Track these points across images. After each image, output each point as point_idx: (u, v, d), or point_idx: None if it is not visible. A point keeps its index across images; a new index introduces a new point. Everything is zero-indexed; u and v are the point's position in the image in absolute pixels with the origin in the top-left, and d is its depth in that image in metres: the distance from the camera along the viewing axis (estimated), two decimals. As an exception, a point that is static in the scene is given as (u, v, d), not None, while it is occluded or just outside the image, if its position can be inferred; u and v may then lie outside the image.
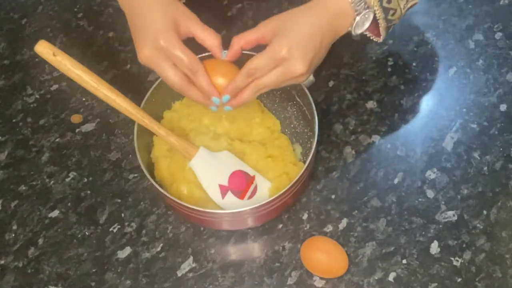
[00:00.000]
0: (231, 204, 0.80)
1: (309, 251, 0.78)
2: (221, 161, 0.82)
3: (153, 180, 0.77)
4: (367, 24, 0.77)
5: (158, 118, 0.85)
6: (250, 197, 0.81)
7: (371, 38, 0.82)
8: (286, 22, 0.73)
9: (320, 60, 0.76)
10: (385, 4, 0.76)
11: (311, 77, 0.87)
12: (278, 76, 0.72)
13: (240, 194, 0.81)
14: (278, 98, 0.89)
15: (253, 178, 0.82)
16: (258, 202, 0.75)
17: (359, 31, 0.77)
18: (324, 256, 0.77)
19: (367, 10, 0.75)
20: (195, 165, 0.80)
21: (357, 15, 0.75)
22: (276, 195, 0.75)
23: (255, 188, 0.81)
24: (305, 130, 0.86)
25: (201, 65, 0.72)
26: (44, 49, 0.73)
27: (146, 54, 0.72)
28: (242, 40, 0.74)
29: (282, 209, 0.82)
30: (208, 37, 0.73)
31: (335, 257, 0.78)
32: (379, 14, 0.76)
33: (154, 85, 0.83)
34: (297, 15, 0.74)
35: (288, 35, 0.71)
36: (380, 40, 0.81)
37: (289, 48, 0.70)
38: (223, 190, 0.80)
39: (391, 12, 0.77)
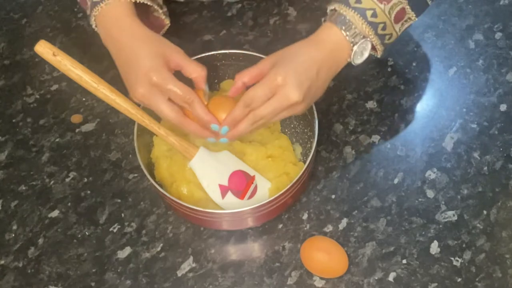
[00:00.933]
0: (231, 204, 0.80)
1: (309, 251, 0.78)
2: (221, 161, 0.82)
3: (153, 180, 0.77)
4: (366, 54, 0.77)
5: (158, 118, 0.85)
6: (250, 197, 0.81)
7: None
8: (284, 55, 0.74)
9: (319, 92, 0.76)
10: (380, 32, 0.76)
11: None
12: (275, 106, 0.72)
13: (240, 194, 0.81)
14: None
15: (253, 178, 0.82)
16: (258, 202, 0.75)
17: (359, 61, 0.77)
18: (324, 256, 0.77)
19: (363, 40, 0.75)
20: (195, 165, 0.80)
21: (354, 45, 0.75)
22: (276, 195, 0.75)
23: (255, 188, 0.81)
24: (305, 130, 0.86)
25: (195, 95, 0.73)
26: (44, 49, 0.73)
27: (141, 92, 0.72)
28: (245, 77, 0.75)
29: (282, 209, 0.82)
30: (195, 69, 0.74)
31: (335, 257, 0.78)
32: (375, 41, 0.76)
33: None
34: (295, 48, 0.75)
35: (284, 64, 0.72)
36: (379, 55, 0.81)
37: (285, 76, 0.71)
38: (223, 190, 0.80)
39: (387, 37, 0.77)
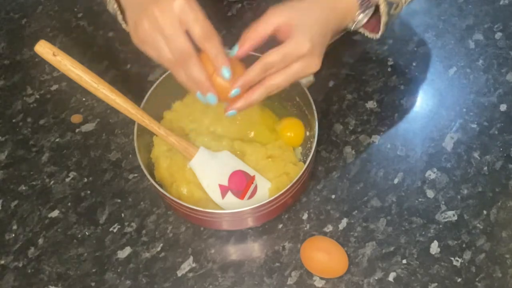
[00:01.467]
0: (231, 204, 0.80)
1: (309, 251, 0.78)
2: (221, 161, 0.82)
3: (153, 180, 0.77)
4: (365, 19, 0.78)
5: (158, 118, 0.85)
6: (250, 197, 0.81)
7: (367, 36, 0.82)
8: (301, 16, 0.70)
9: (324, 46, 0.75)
10: None
11: (311, 77, 0.87)
12: (295, 73, 0.69)
13: (240, 194, 0.81)
14: (278, 98, 0.89)
15: (253, 178, 0.82)
16: (258, 202, 0.75)
17: (357, 26, 0.78)
18: (324, 256, 0.77)
19: (370, 8, 0.76)
20: (195, 165, 0.80)
21: (361, 12, 0.75)
22: (276, 195, 0.75)
23: (255, 188, 0.81)
24: (305, 130, 0.86)
25: (213, 31, 0.67)
26: (44, 49, 0.73)
27: (145, 28, 0.67)
28: (256, 35, 0.69)
29: (282, 209, 0.82)
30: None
31: (335, 257, 0.78)
32: (383, 9, 0.77)
33: (154, 85, 0.83)
34: (311, 7, 0.72)
35: (308, 32, 0.69)
36: (378, 36, 0.81)
37: (312, 45, 0.69)
38: (223, 190, 0.80)
39: (394, 6, 0.77)
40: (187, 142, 0.80)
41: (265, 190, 0.82)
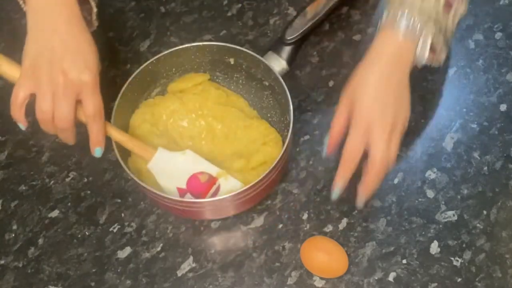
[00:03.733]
0: None
1: (309, 251, 0.78)
2: (180, 162, 0.81)
3: (128, 171, 0.77)
4: (426, 52, 0.75)
5: (126, 123, 0.86)
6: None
7: (432, 65, 0.81)
8: (355, 87, 0.74)
9: (406, 102, 0.75)
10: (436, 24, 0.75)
11: (285, 64, 0.87)
12: (379, 141, 0.71)
13: (200, 196, 0.80)
14: (254, 89, 0.89)
15: (215, 180, 0.81)
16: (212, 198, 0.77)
17: (421, 60, 0.76)
18: (324, 256, 0.77)
19: (420, 38, 0.74)
20: (153, 168, 0.80)
21: (416, 42, 0.74)
22: (246, 187, 0.75)
23: (218, 189, 0.81)
24: (281, 118, 0.87)
25: (103, 117, 0.73)
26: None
27: (37, 64, 0.71)
28: (336, 128, 0.74)
29: (259, 198, 0.82)
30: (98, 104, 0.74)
31: (335, 257, 0.78)
32: (433, 32, 0.75)
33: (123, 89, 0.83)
34: (362, 75, 0.74)
35: (360, 102, 0.72)
36: (441, 63, 0.80)
37: (367, 117, 0.71)
38: (182, 193, 0.80)
39: (442, 31, 0.76)
40: (143, 144, 0.80)
41: (231, 189, 0.80)
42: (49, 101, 0.71)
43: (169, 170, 0.80)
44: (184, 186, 0.80)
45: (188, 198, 0.80)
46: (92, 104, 0.72)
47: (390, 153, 0.73)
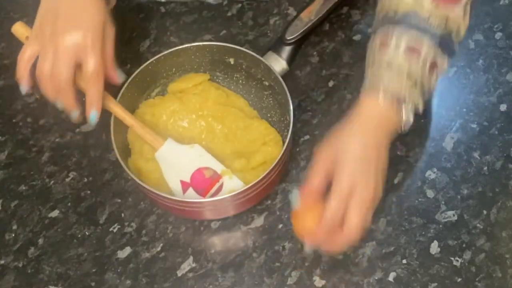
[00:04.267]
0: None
1: (302, 218, 0.74)
2: (187, 155, 0.82)
3: (128, 171, 0.77)
4: (411, 117, 0.74)
5: (133, 108, 0.86)
6: (213, 196, 0.81)
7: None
8: (338, 149, 0.71)
9: (384, 165, 0.73)
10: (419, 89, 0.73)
11: (285, 65, 0.87)
12: (359, 211, 0.69)
13: (203, 192, 0.81)
14: (254, 89, 0.89)
15: (219, 177, 0.81)
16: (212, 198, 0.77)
17: (407, 125, 0.74)
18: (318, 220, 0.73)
19: (402, 103, 0.72)
20: (160, 157, 0.81)
21: (403, 110, 0.72)
22: (246, 187, 0.75)
23: (221, 186, 0.81)
24: (281, 118, 0.87)
25: (102, 74, 0.73)
26: (18, 31, 0.77)
27: (43, 33, 0.72)
28: (313, 185, 0.71)
29: (260, 197, 0.82)
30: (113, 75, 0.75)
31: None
32: (417, 100, 0.74)
33: (131, 77, 0.84)
34: (345, 136, 0.72)
35: (344, 165, 0.69)
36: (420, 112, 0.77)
37: (352, 180, 0.69)
38: (185, 186, 0.80)
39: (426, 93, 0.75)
40: (154, 133, 0.80)
41: (233, 188, 0.80)
42: (49, 60, 0.71)
43: (175, 161, 0.81)
44: (188, 180, 0.81)
45: (189, 194, 0.80)
46: (90, 64, 0.71)
47: (365, 224, 0.70)
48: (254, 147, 0.84)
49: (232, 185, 0.81)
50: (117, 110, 0.79)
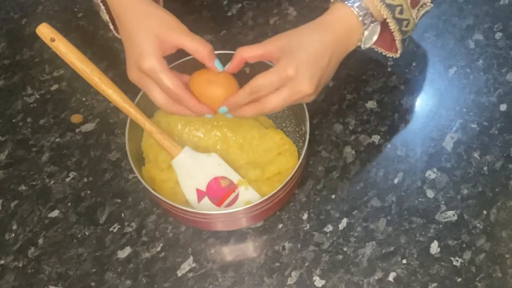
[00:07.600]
0: (205, 209, 0.80)
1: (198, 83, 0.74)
2: (204, 164, 0.81)
3: (143, 181, 0.77)
4: (375, 37, 0.76)
5: (149, 113, 0.85)
6: (228, 205, 0.80)
7: (387, 55, 0.81)
8: (294, 41, 0.71)
9: (329, 78, 0.75)
10: (397, 15, 0.74)
11: None
12: (285, 97, 0.70)
13: (218, 201, 0.80)
14: None
15: (235, 187, 0.81)
16: (227, 210, 0.76)
17: (367, 45, 0.76)
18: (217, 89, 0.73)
19: (375, 24, 0.74)
20: (176, 165, 0.80)
21: (365, 29, 0.73)
22: (265, 198, 0.74)
23: (236, 197, 0.81)
24: (297, 129, 0.86)
25: (183, 90, 0.70)
26: (43, 33, 0.75)
27: (132, 75, 0.72)
28: (246, 53, 0.71)
29: (276, 208, 0.82)
30: (196, 49, 0.70)
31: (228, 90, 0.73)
32: (393, 26, 0.75)
33: None
34: (305, 34, 0.72)
35: (295, 54, 0.69)
36: (397, 55, 0.80)
37: (296, 68, 0.68)
38: (200, 195, 0.80)
39: (405, 23, 0.76)
40: (172, 140, 0.80)
41: (249, 199, 0.80)
42: (151, 90, 0.72)
43: (192, 169, 0.80)
44: (204, 188, 0.80)
45: (204, 203, 0.80)
46: (164, 87, 0.70)
47: (280, 108, 0.71)
48: (269, 157, 0.84)
49: (248, 196, 0.81)
50: (137, 115, 0.78)
